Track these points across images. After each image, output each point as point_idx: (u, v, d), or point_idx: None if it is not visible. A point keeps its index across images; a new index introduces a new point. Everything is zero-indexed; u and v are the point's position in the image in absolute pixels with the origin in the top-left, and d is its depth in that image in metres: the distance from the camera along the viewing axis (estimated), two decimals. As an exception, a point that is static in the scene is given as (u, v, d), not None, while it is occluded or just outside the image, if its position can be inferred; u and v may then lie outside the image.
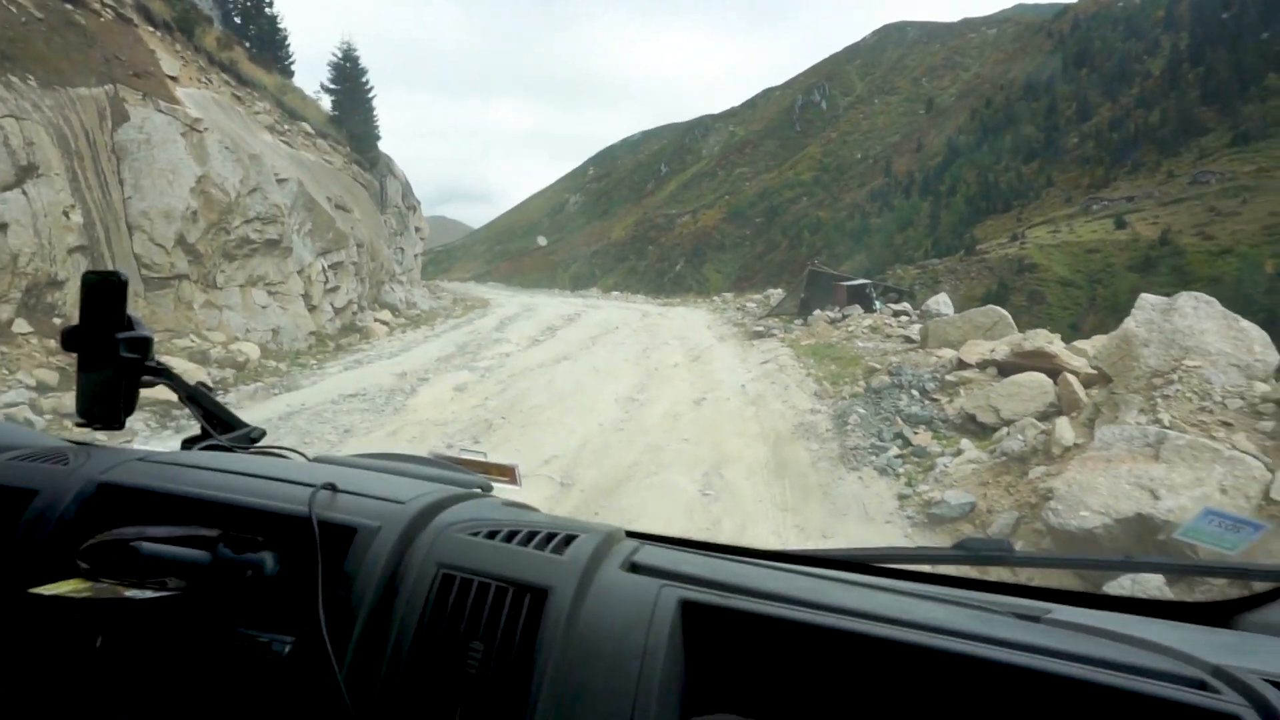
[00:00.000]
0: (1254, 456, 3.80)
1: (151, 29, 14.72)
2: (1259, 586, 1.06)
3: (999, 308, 9.14)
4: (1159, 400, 4.34)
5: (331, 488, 0.93)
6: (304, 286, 14.85)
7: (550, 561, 0.83)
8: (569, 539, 0.88)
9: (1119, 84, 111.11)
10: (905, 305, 13.88)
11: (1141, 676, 0.72)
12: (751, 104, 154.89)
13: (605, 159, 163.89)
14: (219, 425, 1.26)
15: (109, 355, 1.10)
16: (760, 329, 13.76)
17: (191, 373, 9.49)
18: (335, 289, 16.22)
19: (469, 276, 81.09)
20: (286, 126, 18.45)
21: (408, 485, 1.00)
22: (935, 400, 6.88)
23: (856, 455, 6.07)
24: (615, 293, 40.98)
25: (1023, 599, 1.03)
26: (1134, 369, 4.68)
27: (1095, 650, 0.77)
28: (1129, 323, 4.92)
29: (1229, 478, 3.67)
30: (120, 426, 1.15)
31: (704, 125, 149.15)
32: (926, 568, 1.16)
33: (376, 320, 16.89)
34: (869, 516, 4.97)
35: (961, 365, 7.47)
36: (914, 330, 10.80)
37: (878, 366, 8.44)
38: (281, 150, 16.29)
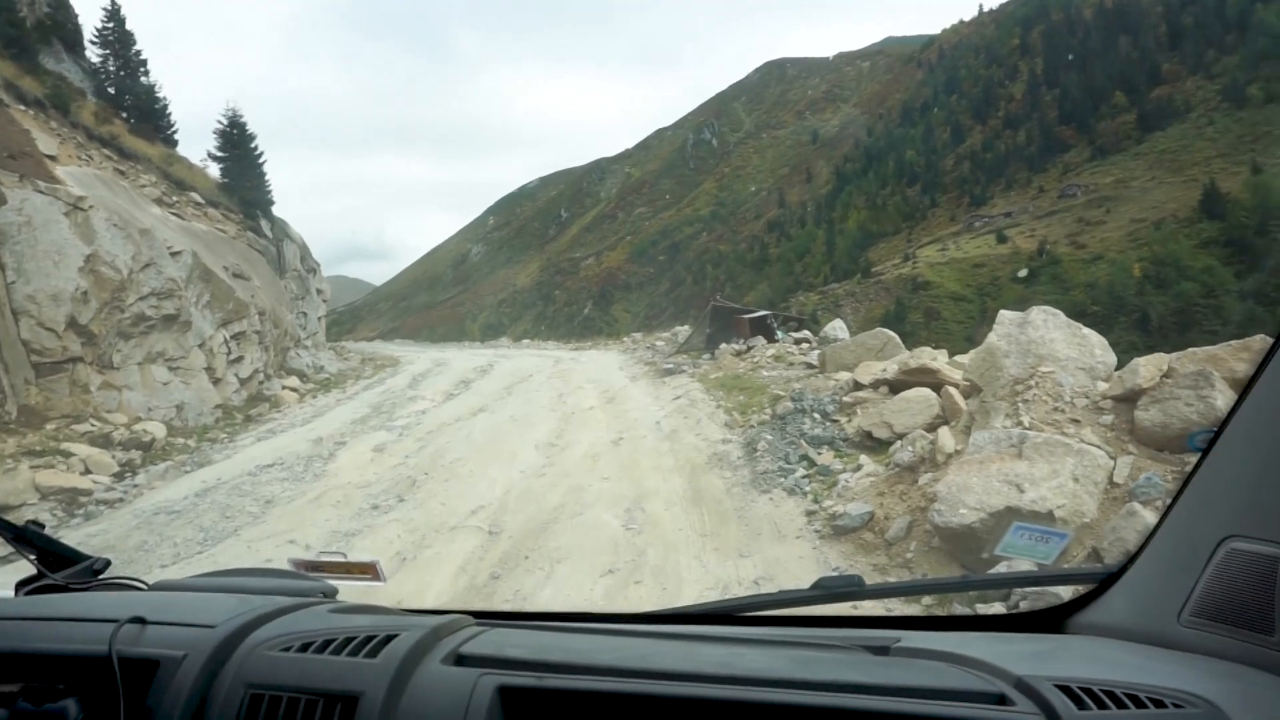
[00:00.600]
0: (1098, 447, 4.37)
1: (23, 108, 14.26)
2: (1082, 589, 1.12)
3: (887, 330, 9.87)
4: (1020, 405, 4.91)
5: (140, 621, 0.91)
6: (206, 360, 14.45)
7: (361, 667, 0.83)
8: (389, 638, 0.88)
9: (986, 108, 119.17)
10: (805, 333, 14.64)
11: (948, 699, 0.77)
12: (645, 145, 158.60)
13: (505, 207, 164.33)
14: (54, 563, 1.22)
15: None
16: (670, 366, 14.23)
17: (95, 458, 9.19)
18: (239, 359, 15.81)
19: (375, 335, 79.33)
20: (175, 198, 18.02)
21: (229, 606, 0.99)
22: (835, 421, 7.39)
23: (767, 479, 6.49)
24: (526, 340, 40.97)
25: (876, 630, 1.09)
26: (999, 378, 5.27)
27: (917, 678, 0.82)
28: (991, 337, 5.54)
29: (1079, 468, 4.22)
30: None
31: (600, 168, 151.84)
32: (789, 611, 1.22)
33: (285, 388, 16.52)
34: (781, 534, 5.35)
35: (857, 386, 8.04)
36: (814, 356, 11.45)
37: (782, 394, 8.96)
38: (172, 222, 15.91)
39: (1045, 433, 4.51)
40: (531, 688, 0.80)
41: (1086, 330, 5.45)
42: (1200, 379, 4.28)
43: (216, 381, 14.56)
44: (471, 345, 38.41)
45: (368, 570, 1.30)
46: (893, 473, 5.58)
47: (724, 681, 0.79)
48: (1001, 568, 3.31)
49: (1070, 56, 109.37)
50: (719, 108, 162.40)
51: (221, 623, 0.91)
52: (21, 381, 10.10)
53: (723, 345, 14.50)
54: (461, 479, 7.89)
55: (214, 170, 22.90)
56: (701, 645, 0.94)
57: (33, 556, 1.21)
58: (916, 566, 4.48)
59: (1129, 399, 4.65)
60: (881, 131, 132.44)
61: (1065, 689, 0.78)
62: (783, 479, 6.38)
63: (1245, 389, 0.86)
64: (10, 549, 1.26)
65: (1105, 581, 1.07)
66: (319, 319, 27.28)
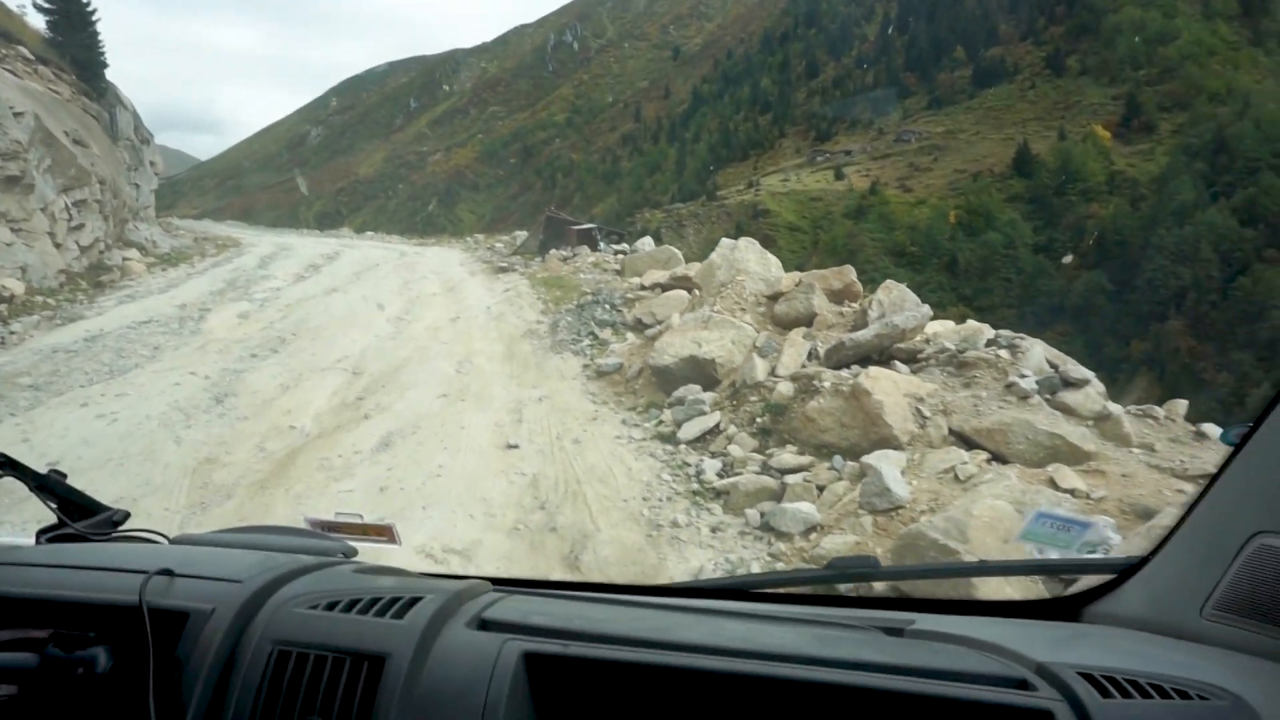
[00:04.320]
0: (750, 325, 7.18)
1: None
2: (1100, 579, 1.11)
3: (671, 247, 12.55)
4: (718, 299, 7.65)
5: (168, 573, 0.93)
6: (49, 224, 14.94)
7: (388, 627, 0.84)
8: (414, 601, 0.89)
9: (841, 45, 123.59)
10: (624, 245, 17.17)
11: (968, 682, 0.79)
12: (504, 40, 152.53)
13: (349, 90, 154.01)
14: (75, 512, 1.25)
15: None
16: (505, 265, 16.38)
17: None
18: (80, 227, 16.22)
19: (198, 213, 74.44)
20: (3, 51, 17.52)
21: (254, 562, 1.01)
22: (620, 310, 9.98)
23: (561, 345, 9.04)
24: (369, 232, 41.05)
25: (891, 611, 1.09)
26: (712, 282, 8.00)
27: (935, 660, 0.84)
28: (713, 255, 8.26)
29: (736, 336, 7.00)
30: None
31: (455, 60, 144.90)
32: (806, 589, 1.25)
33: (126, 259, 17.07)
34: (563, 376, 7.94)
35: (642, 287, 10.66)
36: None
37: (589, 291, 11.44)
38: (9, 80, 15.79)
39: (724, 316, 7.26)
40: (556, 655, 0.81)
41: (770, 255, 8.29)
42: (808, 288, 7.15)
43: (58, 246, 15.11)
44: (311, 233, 38.17)
45: (384, 532, 1.32)
46: (643, 341, 8.26)
47: (748, 656, 0.81)
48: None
49: (922, 3, 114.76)
50: (583, 10, 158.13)
51: (248, 578, 0.93)
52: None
53: (552, 251, 16.80)
54: (325, 339, 9.85)
55: (38, 22, 21.70)
56: (722, 620, 0.96)
57: (54, 505, 1.22)
58: (640, 391, 7.19)
59: (774, 298, 7.49)
60: (741, 56, 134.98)
61: (1088, 676, 0.79)
62: (573, 346, 8.94)
63: None
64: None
65: (1125, 572, 1.07)
66: (151, 191, 26.70)
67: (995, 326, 6.61)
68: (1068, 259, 58.31)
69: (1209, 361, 49.14)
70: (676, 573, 4.33)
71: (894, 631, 0.98)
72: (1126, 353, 54.25)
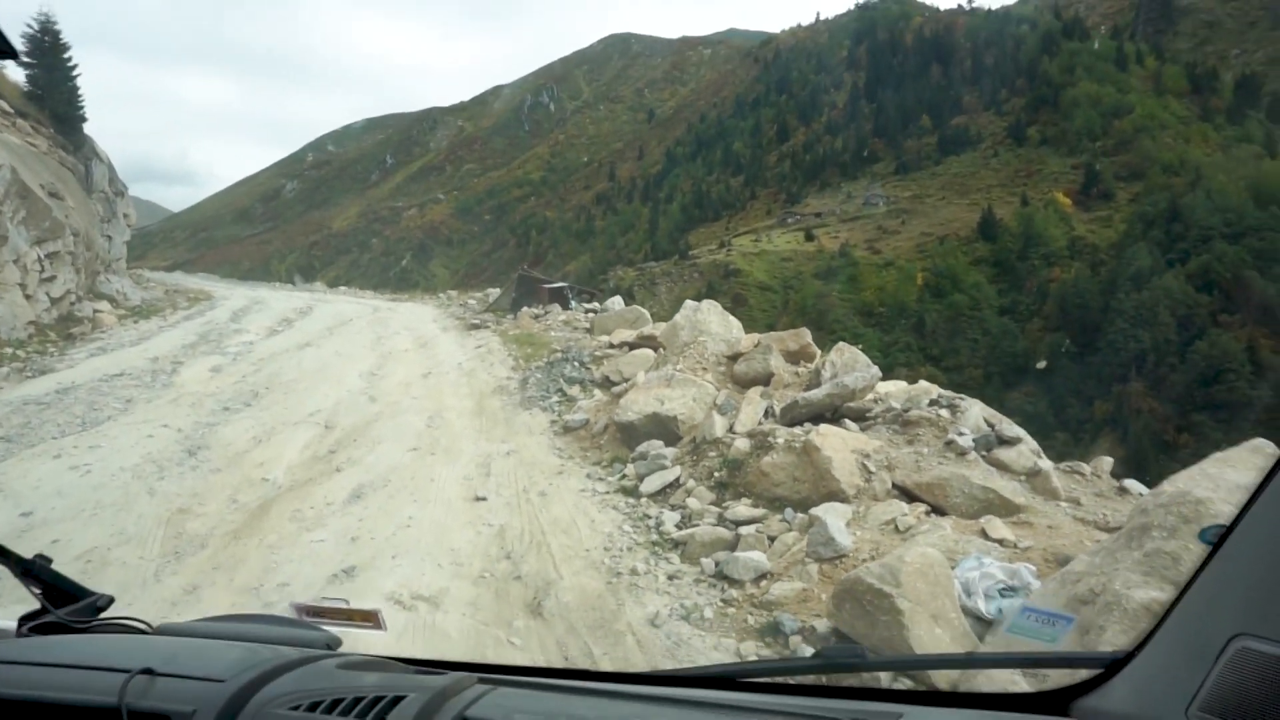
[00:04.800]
0: (711, 384, 7.54)
1: None
2: (1088, 673, 1.10)
3: (639, 307, 13.02)
4: (681, 358, 8.03)
5: (150, 672, 0.93)
6: (21, 276, 15.04)
7: None
8: (396, 700, 0.90)
9: (811, 111, 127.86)
10: (595, 304, 17.64)
11: None
12: (481, 100, 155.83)
13: (325, 145, 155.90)
14: (59, 598, 1.25)
15: None
16: (477, 322, 16.72)
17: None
18: (52, 279, 16.31)
19: (170, 265, 74.31)
20: (-17, 106, 17.81)
21: (236, 658, 1.01)
22: (588, 368, 10.31)
23: (530, 401, 9.32)
24: (343, 287, 41.24)
25: (879, 703, 1.09)
26: (676, 342, 8.39)
27: None
28: (677, 316, 8.68)
29: (698, 394, 7.35)
30: None
31: (432, 118, 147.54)
32: (790, 679, 1.25)
33: (97, 311, 17.14)
34: (530, 431, 8.21)
35: (610, 345, 11.03)
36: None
37: (559, 349, 11.78)
38: (-12, 135, 16.04)
39: (686, 375, 7.63)
40: None
41: (731, 317, 8.73)
42: (766, 349, 7.57)
43: (28, 298, 15.18)
44: (284, 287, 38.22)
45: (369, 618, 1.31)
46: (609, 398, 8.58)
47: None
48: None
49: (889, 73, 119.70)
50: (560, 73, 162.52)
51: (230, 677, 0.93)
52: None
53: (524, 308, 17.20)
54: (298, 393, 10.04)
55: (15, 74, 21.97)
56: (703, 713, 0.95)
57: (38, 591, 1.21)
58: (605, 446, 7.48)
59: (734, 358, 7.89)
60: (714, 120, 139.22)
61: None
62: (541, 402, 9.23)
63: (1261, 485, 0.84)
64: None
65: (1112, 667, 1.06)
66: (124, 243, 26.82)
67: (961, 388, 7.01)
68: (1041, 365, 59.75)
69: (1170, 423, 50.50)
70: (633, 617, 4.57)
71: None
72: (1090, 413, 55.64)
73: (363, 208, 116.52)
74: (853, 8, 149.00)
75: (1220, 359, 51.71)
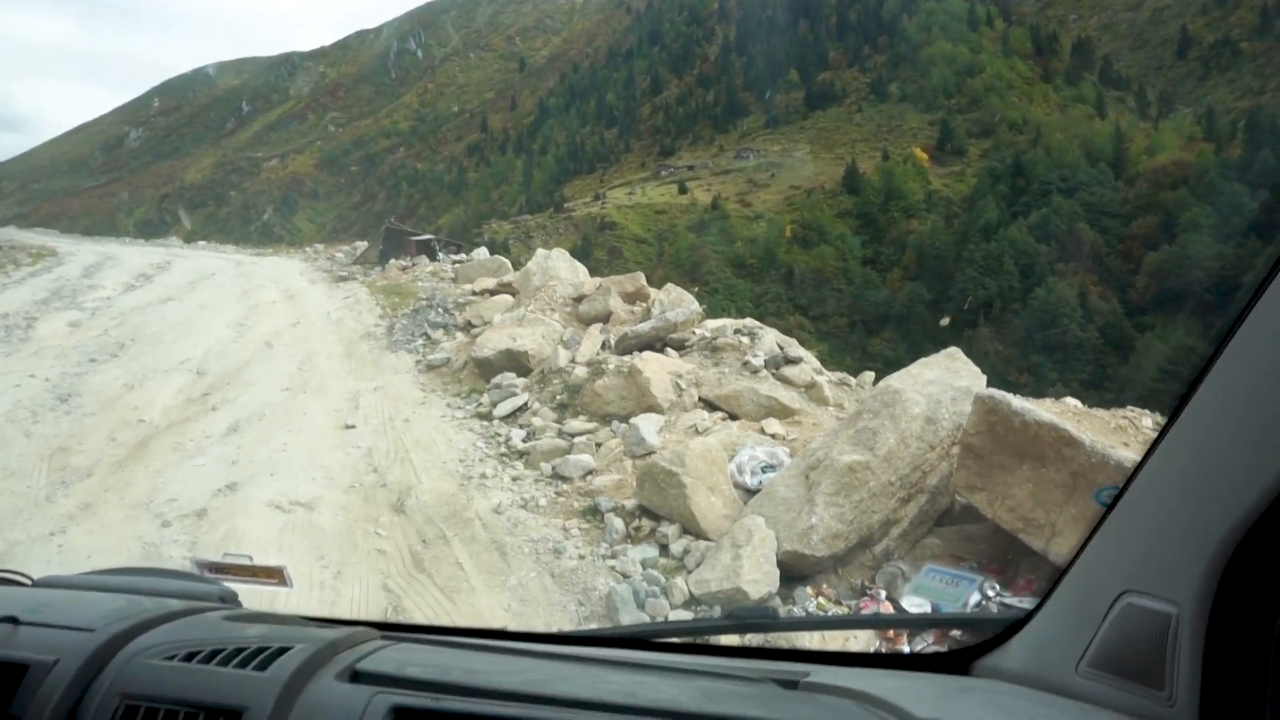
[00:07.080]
0: (557, 322, 8.60)
1: None
2: (989, 633, 1.14)
3: (501, 256, 13.86)
4: (533, 301, 9.03)
5: (13, 620, 0.88)
6: None
7: (248, 680, 0.81)
8: (281, 651, 0.86)
9: (684, 64, 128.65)
10: (463, 255, 18.22)
11: None
12: (344, 45, 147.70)
13: (174, 90, 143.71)
14: None
15: None
16: (345, 274, 16.99)
17: None
18: (-128, 235, 15.34)
19: (-3, 219, 67.65)
20: None
21: (113, 609, 0.96)
22: (451, 314, 11.11)
23: (397, 345, 10.08)
24: (201, 242, 39.25)
25: (785, 663, 1.10)
26: (529, 286, 9.36)
27: (823, 716, 0.85)
28: (529, 263, 9.64)
29: (546, 332, 8.38)
30: None
31: (291, 63, 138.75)
32: (702, 639, 1.31)
33: (-72, 269, 16.23)
34: (396, 370, 9.03)
35: (473, 293, 11.84)
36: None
37: (424, 297, 12.48)
38: None
39: (536, 315, 8.64)
40: (426, 709, 0.79)
41: (578, 263, 9.79)
42: (606, 290, 8.69)
43: None
44: (135, 242, 36.08)
45: (274, 575, 1.27)
46: (469, 339, 9.49)
47: (629, 711, 0.80)
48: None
49: (759, 27, 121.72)
50: (427, 18, 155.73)
51: (101, 626, 0.88)
52: None
53: (392, 260, 17.59)
54: (165, 344, 10.33)
55: None
56: (609, 671, 0.94)
57: None
58: (464, 380, 8.42)
59: (579, 299, 8.99)
60: (587, 70, 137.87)
61: None
62: (407, 345, 10.01)
63: (1150, 448, 0.86)
64: None
65: (1010, 628, 1.09)
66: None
67: (828, 335, 8.24)
68: (945, 321, 63.42)
69: (1013, 364, 55.63)
70: (480, 507, 5.62)
71: (789, 684, 0.98)
72: (945, 356, 60.54)
73: (218, 158, 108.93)
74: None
75: (1056, 305, 57.34)
